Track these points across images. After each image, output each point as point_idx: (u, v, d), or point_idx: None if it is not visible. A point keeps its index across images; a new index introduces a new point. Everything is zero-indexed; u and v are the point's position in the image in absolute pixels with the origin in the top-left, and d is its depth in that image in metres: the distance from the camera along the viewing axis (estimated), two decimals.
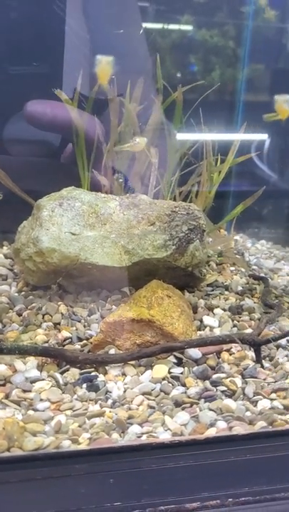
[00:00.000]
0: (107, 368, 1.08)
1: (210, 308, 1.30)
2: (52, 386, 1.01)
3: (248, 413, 1.00)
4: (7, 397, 0.98)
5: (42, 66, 1.58)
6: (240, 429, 0.95)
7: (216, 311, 1.29)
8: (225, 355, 1.13)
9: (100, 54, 1.55)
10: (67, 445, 0.89)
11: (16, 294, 1.31)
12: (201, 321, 1.24)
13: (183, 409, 1.00)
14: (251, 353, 1.14)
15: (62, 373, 1.06)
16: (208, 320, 1.24)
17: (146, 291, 1.21)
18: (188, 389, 1.04)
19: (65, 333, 1.17)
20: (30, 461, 0.85)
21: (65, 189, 1.39)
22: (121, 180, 1.59)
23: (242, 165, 1.73)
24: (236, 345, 1.14)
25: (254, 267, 1.55)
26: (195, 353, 1.12)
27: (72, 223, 1.31)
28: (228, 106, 2.01)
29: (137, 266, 1.31)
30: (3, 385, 1.02)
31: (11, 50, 1.60)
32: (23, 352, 1.03)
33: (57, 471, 0.85)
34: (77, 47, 1.66)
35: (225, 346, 1.15)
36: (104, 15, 1.80)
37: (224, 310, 1.30)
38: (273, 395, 1.04)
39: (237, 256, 1.59)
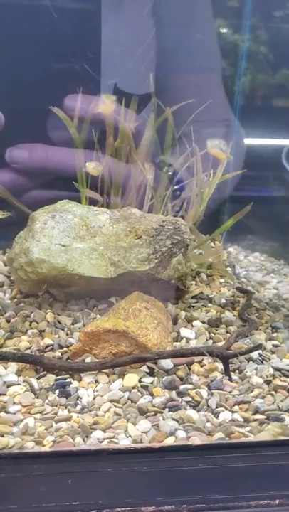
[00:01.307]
0: (82, 375, 1.16)
1: (189, 321, 1.35)
2: (26, 391, 1.09)
3: (208, 424, 1.05)
4: None
5: (80, 63, 1.62)
6: (197, 439, 1.01)
7: (195, 323, 1.34)
8: (196, 366, 1.19)
9: (169, 53, 1.60)
10: (30, 446, 0.97)
11: (9, 301, 1.40)
12: (179, 332, 1.30)
13: (146, 417, 1.06)
14: (221, 366, 1.19)
15: (38, 379, 1.14)
16: (185, 332, 1.30)
17: (126, 302, 1.28)
18: (154, 398, 1.11)
19: (47, 341, 1.25)
20: None
21: (59, 202, 1.47)
22: (170, 173, 1.64)
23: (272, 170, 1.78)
24: (208, 357, 1.19)
25: (243, 280, 1.60)
26: (166, 363, 1.18)
27: (62, 235, 1.39)
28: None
29: (122, 277, 1.38)
30: None
31: (51, 46, 1.66)
32: (2, 357, 1.12)
33: (19, 470, 0.93)
34: (135, 45, 1.70)
35: (196, 358, 1.20)
36: (175, 13, 1.84)
37: (203, 322, 1.35)
38: (236, 408, 1.09)
39: (227, 268, 1.64)
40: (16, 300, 1.40)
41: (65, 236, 1.39)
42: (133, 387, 1.13)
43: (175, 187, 1.80)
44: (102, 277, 1.37)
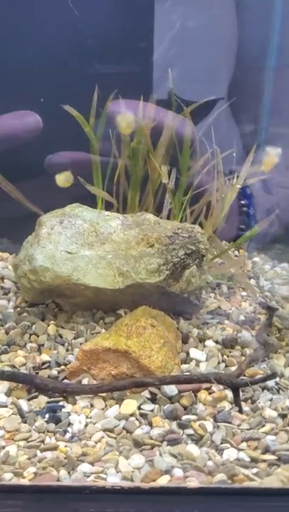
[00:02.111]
0: (77, 397, 1.06)
1: (202, 340, 1.23)
2: (13, 414, 1.01)
3: (209, 463, 0.94)
4: None
5: (132, 65, 1.56)
6: (194, 480, 0.90)
7: (207, 343, 1.22)
8: (203, 394, 1.07)
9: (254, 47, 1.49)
10: (8, 478, 0.88)
11: (11, 310, 1.32)
12: (188, 353, 1.19)
13: (141, 451, 0.96)
14: (232, 394, 1.07)
15: (29, 400, 1.05)
16: (195, 353, 1.18)
17: (130, 318, 1.18)
18: (153, 429, 1.00)
19: (44, 357, 1.16)
20: None
21: (69, 206, 1.38)
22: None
23: None
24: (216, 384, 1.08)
25: (267, 294, 1.46)
26: (170, 389, 1.07)
27: (69, 242, 1.30)
28: None
29: (130, 289, 1.28)
30: None
31: (101, 47, 1.58)
32: None
33: None
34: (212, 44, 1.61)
35: (205, 384, 1.09)
36: (264, 7, 1.74)
37: (216, 342, 1.23)
38: (243, 445, 0.97)
39: (251, 280, 1.51)
40: (19, 309, 1.32)
41: (73, 243, 1.30)
42: (131, 415, 1.03)
43: (242, 202, 1.69)
44: (109, 288, 1.26)
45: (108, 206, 1.52)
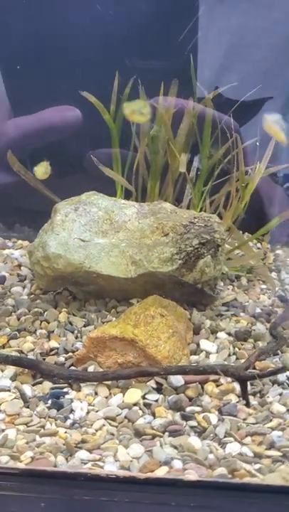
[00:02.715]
0: (82, 385, 1.05)
1: (214, 331, 1.20)
2: (15, 398, 1.01)
3: (211, 456, 0.91)
4: None
5: (174, 62, 1.52)
6: (192, 473, 0.87)
7: (219, 334, 1.19)
8: (210, 386, 1.04)
9: None
10: (4, 461, 0.88)
11: (25, 297, 1.33)
12: (199, 344, 1.16)
13: (142, 440, 0.94)
14: (239, 387, 1.04)
15: (34, 385, 1.05)
16: (205, 344, 1.15)
17: (139, 307, 1.15)
18: (155, 419, 0.98)
19: (53, 343, 1.15)
20: None
21: (85, 193, 1.37)
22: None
23: None
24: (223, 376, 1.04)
25: (287, 287, 1.41)
26: (177, 380, 1.04)
27: (83, 229, 1.29)
28: None
29: (143, 278, 1.26)
30: None
31: (142, 43, 1.57)
32: None
33: None
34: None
35: (212, 376, 1.05)
36: None
37: (229, 334, 1.19)
38: (248, 439, 0.94)
39: (272, 273, 1.46)
40: (33, 296, 1.32)
41: (86, 230, 1.29)
42: (134, 404, 1.01)
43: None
44: (121, 277, 1.25)
45: (128, 196, 1.51)
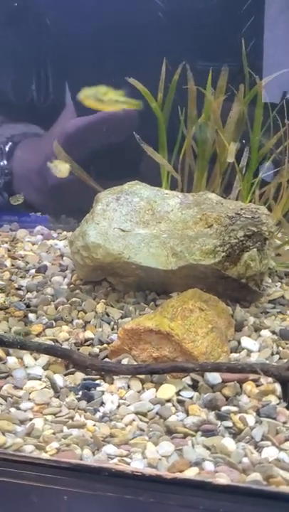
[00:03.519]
0: (115, 377, 1.02)
1: (257, 329, 1.13)
2: (45, 387, 0.98)
3: (245, 459, 0.84)
4: None
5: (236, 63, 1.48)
6: (224, 476, 0.81)
7: (262, 332, 1.12)
8: (248, 385, 0.97)
9: None
10: (29, 450, 0.86)
11: (65, 287, 1.31)
12: (240, 342, 1.09)
13: (173, 438, 0.89)
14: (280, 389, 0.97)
15: (65, 375, 1.03)
16: (247, 342, 1.09)
17: (178, 300, 1.10)
18: (188, 417, 0.93)
19: (88, 334, 1.13)
20: None
21: (128, 183, 1.34)
22: None
23: None
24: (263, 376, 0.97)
25: None
26: (213, 377, 0.98)
27: (124, 219, 1.25)
28: None
29: (184, 270, 1.21)
30: (5, 377, 1.02)
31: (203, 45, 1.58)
32: (25, 347, 1.02)
33: (8, 475, 0.82)
34: None
35: (252, 375, 0.99)
36: None
37: (273, 333, 1.12)
38: (286, 444, 0.87)
39: None
40: (72, 286, 1.30)
41: (127, 220, 1.25)
42: (167, 401, 0.96)
43: None
44: (160, 269, 1.20)
45: (174, 188, 1.46)
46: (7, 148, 1.75)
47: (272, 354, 1.06)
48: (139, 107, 1.07)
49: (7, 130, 1.81)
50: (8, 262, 1.41)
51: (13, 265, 1.41)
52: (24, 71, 1.77)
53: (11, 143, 1.75)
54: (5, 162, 1.75)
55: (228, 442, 0.87)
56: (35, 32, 1.74)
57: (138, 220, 1.26)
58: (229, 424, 0.91)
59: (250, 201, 1.41)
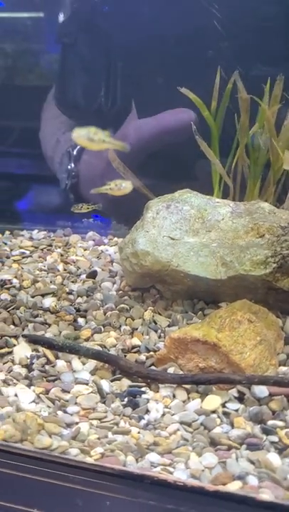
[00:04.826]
0: (161, 386, 1.02)
1: None
2: (92, 392, 1.00)
3: None
4: (47, 392, 1.00)
5: None
6: (268, 492, 0.80)
7: None
8: None
9: None
10: (74, 453, 0.87)
11: (114, 293, 1.32)
12: None
13: (217, 450, 0.88)
14: None
15: (112, 381, 1.04)
16: None
17: (226, 310, 1.10)
18: (233, 429, 0.91)
19: (135, 341, 1.13)
20: (32, 458, 0.86)
21: (178, 191, 1.34)
22: None
23: None
24: None
25: None
26: (260, 390, 0.97)
27: (173, 227, 1.26)
28: None
29: (233, 281, 1.20)
30: (54, 380, 1.04)
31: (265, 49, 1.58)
32: (74, 351, 1.04)
33: (53, 476, 0.84)
34: None
35: None
36: None
37: None
38: None
39: None
40: (121, 292, 1.32)
41: (177, 228, 1.26)
42: (213, 412, 0.96)
43: None
44: (209, 278, 1.20)
45: (226, 196, 1.46)
46: (75, 152, 1.80)
47: None
48: (124, 149, 1.11)
49: None
50: (60, 267, 1.45)
51: (65, 270, 1.44)
52: (93, 78, 1.82)
53: (78, 147, 1.79)
54: (72, 165, 1.80)
55: (274, 458, 0.86)
56: (103, 42, 1.79)
57: (188, 229, 1.26)
58: (275, 439, 0.89)
59: None
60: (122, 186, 1.17)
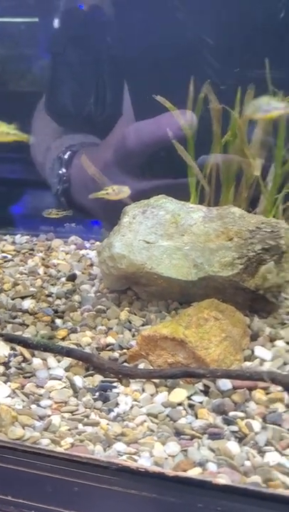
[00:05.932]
0: (131, 381, 1.07)
1: (273, 339, 1.16)
2: (64, 387, 1.05)
3: (247, 463, 0.88)
4: (23, 388, 1.06)
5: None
6: (224, 477, 0.85)
7: (277, 342, 1.15)
8: (258, 393, 1.01)
9: None
10: (45, 443, 0.93)
11: (92, 295, 1.38)
12: (254, 351, 1.13)
13: (180, 439, 0.93)
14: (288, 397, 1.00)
15: (85, 377, 1.09)
16: (260, 351, 1.12)
17: (193, 309, 1.15)
18: (196, 420, 0.97)
19: (109, 339, 1.19)
20: (6, 448, 0.91)
21: (154, 197, 1.40)
22: None
23: None
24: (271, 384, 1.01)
25: None
26: (224, 384, 1.03)
27: (149, 231, 1.31)
28: None
29: (204, 282, 1.25)
30: (29, 376, 1.10)
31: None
32: (48, 349, 1.09)
33: (23, 465, 0.89)
34: None
35: (261, 383, 1.02)
36: None
37: (287, 343, 1.14)
38: None
39: None
40: (99, 294, 1.38)
41: (152, 233, 1.31)
42: (179, 404, 1.01)
43: None
44: (181, 279, 1.26)
45: (202, 202, 1.51)
46: (66, 157, 1.84)
47: (285, 364, 1.09)
48: (28, 140, 1.17)
49: (66, 140, 1.92)
50: (41, 270, 1.51)
51: (45, 273, 1.50)
52: (83, 86, 1.87)
53: (69, 152, 1.84)
54: (64, 170, 1.85)
55: (233, 446, 0.91)
56: (92, 51, 1.83)
57: (163, 233, 1.32)
58: (235, 428, 0.95)
59: (274, 215, 1.44)
60: (120, 191, 1.21)
